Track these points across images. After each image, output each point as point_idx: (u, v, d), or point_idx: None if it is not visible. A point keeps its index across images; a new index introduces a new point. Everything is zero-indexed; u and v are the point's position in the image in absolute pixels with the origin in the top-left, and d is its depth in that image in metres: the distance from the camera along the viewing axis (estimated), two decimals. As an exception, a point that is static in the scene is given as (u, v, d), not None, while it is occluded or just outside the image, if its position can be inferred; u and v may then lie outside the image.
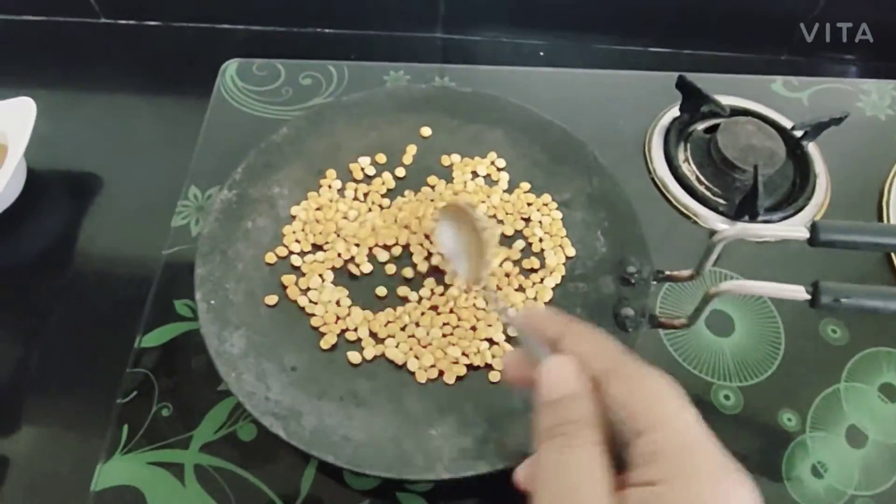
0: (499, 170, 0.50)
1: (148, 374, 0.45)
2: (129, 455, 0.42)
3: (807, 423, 0.45)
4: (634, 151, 0.57)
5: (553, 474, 0.24)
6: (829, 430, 0.45)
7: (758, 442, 0.44)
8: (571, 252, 0.45)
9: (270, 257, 0.44)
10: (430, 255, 0.45)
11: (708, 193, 0.54)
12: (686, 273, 0.42)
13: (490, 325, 0.42)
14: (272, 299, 0.42)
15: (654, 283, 0.43)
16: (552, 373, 0.27)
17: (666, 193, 0.55)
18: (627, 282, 0.43)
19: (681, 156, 0.57)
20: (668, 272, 0.43)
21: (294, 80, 0.60)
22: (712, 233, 0.52)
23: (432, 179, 0.49)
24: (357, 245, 0.45)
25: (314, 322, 0.42)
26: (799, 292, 0.33)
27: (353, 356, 0.40)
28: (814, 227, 0.34)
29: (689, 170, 0.56)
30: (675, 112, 0.59)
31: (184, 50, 0.69)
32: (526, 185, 0.48)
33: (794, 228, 0.35)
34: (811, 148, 0.57)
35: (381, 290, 0.43)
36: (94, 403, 0.45)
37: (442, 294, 0.43)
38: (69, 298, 0.51)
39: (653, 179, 0.56)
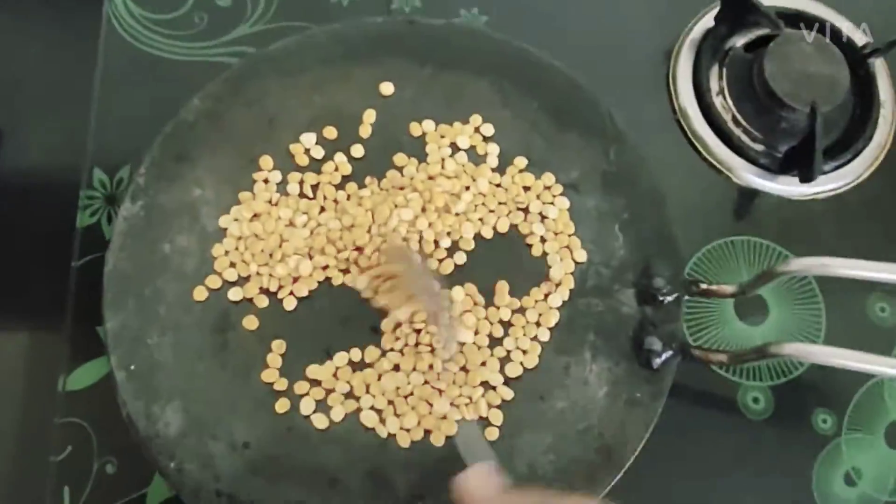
0: (486, 139, 0.38)
1: (82, 424, 0.38)
2: (75, 522, 0.36)
3: (843, 423, 0.40)
4: (653, 80, 0.45)
5: None
6: (866, 431, 0.40)
7: (787, 450, 0.39)
8: (583, 257, 0.36)
9: (200, 292, 0.34)
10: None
11: (745, 139, 0.43)
12: (729, 289, 0.33)
13: (484, 364, 0.34)
14: (209, 349, 0.34)
15: (686, 298, 0.34)
16: None
17: (692, 138, 0.44)
18: (653, 299, 0.34)
19: (714, 85, 0.45)
20: (704, 286, 0.34)
21: (208, 3, 0.45)
22: (747, 191, 0.42)
23: (400, 159, 0.38)
24: (311, 263, 0.35)
25: (266, 376, 0.33)
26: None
27: (319, 420, 0.33)
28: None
29: (724, 106, 0.44)
30: (708, 22, 0.45)
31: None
32: (521, 162, 0.38)
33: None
34: (878, 66, 0.45)
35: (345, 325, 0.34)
36: (23, 461, 0.39)
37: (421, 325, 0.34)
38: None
39: (677, 120, 0.44)
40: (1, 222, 0.44)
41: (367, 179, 0.37)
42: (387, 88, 0.39)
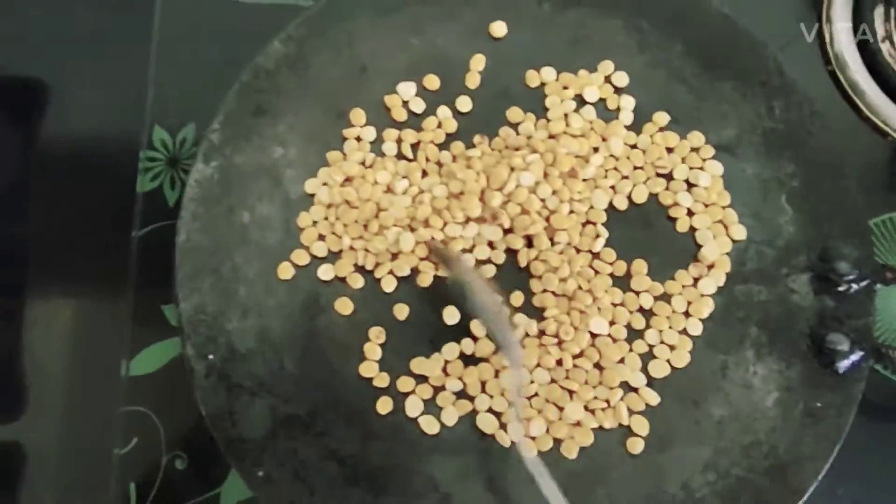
0: (618, 91, 0.32)
1: (147, 413, 0.34)
2: (143, 522, 0.32)
3: None
4: (800, 20, 0.38)
5: None
6: None
7: None
8: (741, 234, 0.29)
9: (285, 270, 0.29)
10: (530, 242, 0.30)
11: (920, 93, 0.36)
12: (936, 276, 0.27)
13: (622, 361, 0.28)
14: (297, 337, 0.29)
15: (879, 287, 0.28)
16: None
17: (850, 92, 0.37)
18: (836, 287, 0.28)
19: (880, 28, 0.37)
20: (902, 270, 0.28)
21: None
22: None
23: (514, 114, 0.32)
24: (413, 236, 0.29)
25: (364, 370, 0.28)
26: None
27: (428, 423, 0.28)
28: None
29: (892, 54, 0.37)
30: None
31: None
32: (663, 118, 0.31)
33: None
34: None
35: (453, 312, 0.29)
36: (84, 450, 0.35)
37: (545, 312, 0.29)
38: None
39: (830, 71, 0.37)
40: (48, 189, 0.39)
41: (477, 138, 0.31)
42: (498, 28, 0.32)
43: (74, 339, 0.36)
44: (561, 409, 0.28)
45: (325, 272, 0.30)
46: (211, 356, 0.28)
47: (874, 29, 0.37)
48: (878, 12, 0.38)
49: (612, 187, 0.31)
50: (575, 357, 0.28)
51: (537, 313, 0.29)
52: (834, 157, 0.29)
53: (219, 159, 0.30)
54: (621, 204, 0.30)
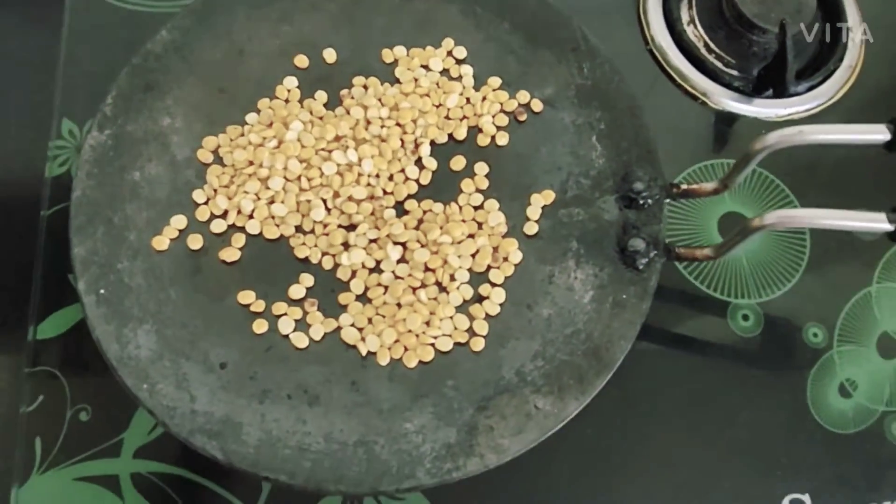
0: (459, 62, 0.38)
1: (54, 372, 0.36)
2: (48, 473, 0.35)
3: (834, 336, 0.39)
4: (624, 14, 0.45)
5: None
6: (858, 343, 0.39)
7: (780, 364, 0.39)
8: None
9: (178, 220, 0.33)
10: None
11: (719, 64, 0.44)
12: (710, 186, 0.33)
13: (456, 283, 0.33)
14: (182, 273, 0.32)
15: (668, 201, 0.34)
16: None
17: (666, 67, 0.44)
18: (635, 203, 0.34)
19: (685, 16, 0.45)
20: (685, 186, 0.34)
21: (174, -45, 0.45)
22: (724, 116, 0.43)
23: (372, 82, 0.37)
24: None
25: (242, 298, 0.32)
26: (877, 222, 0.24)
27: (299, 338, 0.32)
28: (897, 128, 0.25)
29: (696, 34, 0.44)
30: (675, -45, 0.46)
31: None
32: (496, 81, 0.37)
33: (869, 129, 0.26)
34: (844, -10, 0.46)
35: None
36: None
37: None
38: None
39: (650, 50, 0.44)
40: None
41: (343, 92, 0.36)
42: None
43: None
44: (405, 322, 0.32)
45: (218, 226, 0.34)
46: (102, 291, 0.31)
47: (679, 15, 0.45)
48: (684, 2, 0.46)
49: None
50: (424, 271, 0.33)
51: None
52: (631, 104, 0.36)
53: (112, 128, 0.34)
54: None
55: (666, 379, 0.38)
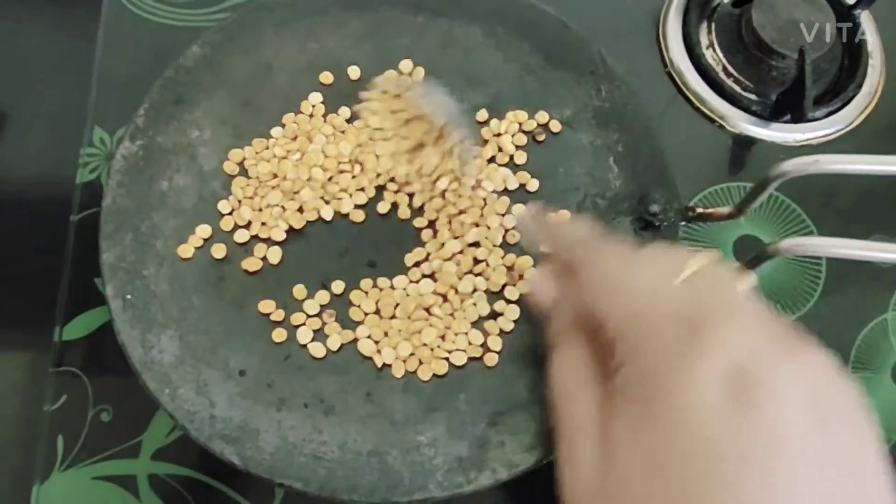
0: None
1: (77, 372, 0.37)
2: (69, 471, 0.36)
3: (849, 362, 0.39)
4: (644, 37, 0.46)
5: (554, 381, 0.26)
6: (873, 370, 0.39)
7: (795, 389, 0.39)
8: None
9: (203, 229, 0.34)
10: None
11: (737, 88, 0.44)
12: (725, 211, 0.33)
13: (474, 302, 0.33)
14: (205, 281, 0.33)
15: (683, 223, 0.34)
16: (534, 287, 0.29)
17: (684, 90, 0.44)
18: (650, 225, 0.34)
19: (704, 40, 0.45)
20: (700, 209, 0.34)
21: (206, -28, 0.46)
22: (741, 139, 0.43)
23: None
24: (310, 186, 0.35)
25: (263, 307, 0.33)
26: (892, 252, 0.24)
27: (316, 348, 0.33)
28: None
29: (714, 58, 0.45)
30: (695, -19, 0.47)
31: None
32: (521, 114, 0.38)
33: (887, 161, 0.26)
34: (864, 17, 0.46)
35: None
36: (16, 413, 0.38)
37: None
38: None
39: (668, 73, 0.45)
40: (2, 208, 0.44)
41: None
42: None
43: (12, 305, 0.40)
44: (421, 335, 0.33)
45: (241, 236, 0.34)
46: (128, 296, 0.32)
47: (699, 39, 0.45)
48: (703, 27, 0.46)
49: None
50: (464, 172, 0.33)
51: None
52: (648, 127, 0.36)
53: (143, 139, 0.35)
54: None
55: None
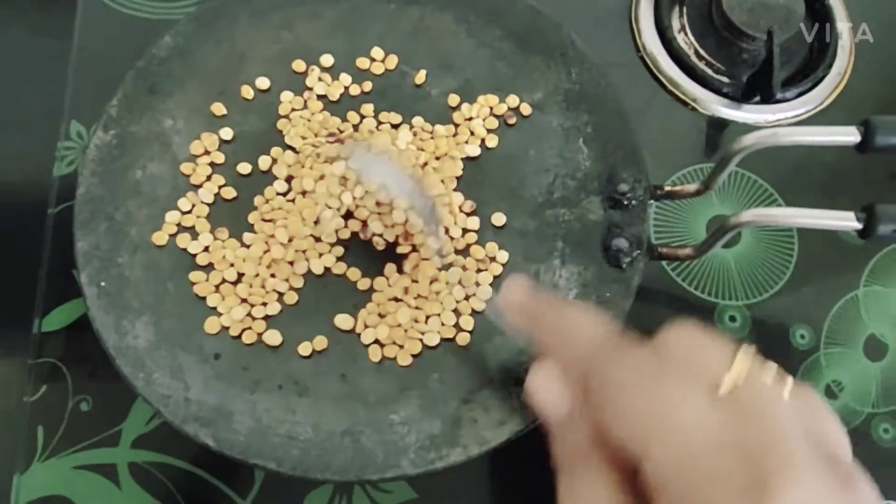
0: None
1: (56, 363, 0.38)
2: (50, 461, 0.36)
3: (821, 338, 0.40)
4: (616, 23, 0.47)
5: None
6: (845, 345, 0.40)
7: (768, 365, 0.39)
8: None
9: (172, 215, 0.35)
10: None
11: (709, 71, 0.44)
12: (692, 188, 0.34)
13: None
14: (179, 268, 0.34)
15: (652, 202, 0.35)
16: (540, 394, 0.23)
17: (657, 74, 0.45)
18: (619, 203, 0.34)
19: (675, 24, 0.46)
20: (668, 187, 0.35)
21: (182, -35, 0.47)
22: (714, 121, 0.43)
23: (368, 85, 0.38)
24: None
25: (241, 291, 0.34)
26: (846, 220, 0.25)
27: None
28: (868, 129, 0.26)
29: (686, 42, 0.45)
30: (666, -35, 0.47)
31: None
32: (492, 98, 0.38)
33: (841, 131, 0.26)
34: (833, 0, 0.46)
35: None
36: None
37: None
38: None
39: (641, 57, 0.45)
40: None
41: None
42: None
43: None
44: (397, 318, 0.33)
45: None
46: (103, 283, 0.32)
47: (670, 23, 0.46)
48: (674, 11, 0.47)
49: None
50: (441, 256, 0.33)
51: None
52: (618, 108, 0.37)
53: (116, 128, 0.36)
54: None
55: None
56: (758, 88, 0.42)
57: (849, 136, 0.26)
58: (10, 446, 0.36)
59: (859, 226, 0.25)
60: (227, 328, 0.32)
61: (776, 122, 0.44)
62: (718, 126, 0.44)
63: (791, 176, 0.42)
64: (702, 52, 0.45)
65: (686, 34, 0.46)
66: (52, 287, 0.39)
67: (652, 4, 0.46)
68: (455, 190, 0.36)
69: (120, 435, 0.36)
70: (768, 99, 0.41)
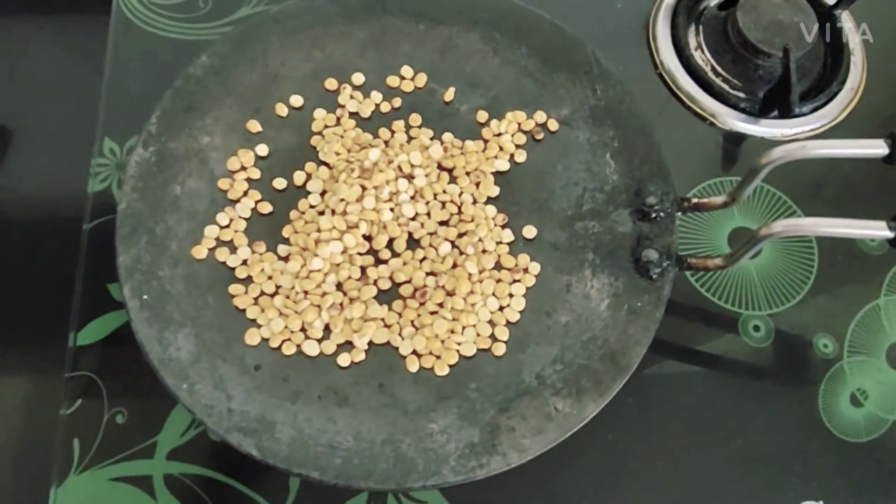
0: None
1: (91, 376, 0.38)
2: (86, 473, 0.36)
3: (844, 347, 0.40)
4: (635, 40, 0.48)
5: None
6: (868, 353, 0.40)
7: (791, 374, 0.40)
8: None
9: (211, 230, 0.35)
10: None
11: (726, 87, 0.46)
12: (719, 200, 0.34)
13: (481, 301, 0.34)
14: (219, 280, 0.34)
15: (680, 214, 0.36)
16: None
17: (675, 90, 0.46)
18: (647, 216, 0.35)
19: (692, 42, 0.47)
20: (695, 199, 0.36)
21: (212, -13, 0.48)
22: (732, 136, 0.44)
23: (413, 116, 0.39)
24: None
25: (278, 303, 0.34)
26: (878, 230, 0.26)
27: (328, 345, 0.33)
28: (894, 142, 0.27)
29: (703, 59, 0.47)
30: (682, -14, 0.48)
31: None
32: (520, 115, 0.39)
33: (869, 144, 0.27)
34: (845, 18, 0.48)
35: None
36: (34, 417, 0.39)
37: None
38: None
39: (659, 74, 0.47)
40: (11, 220, 0.45)
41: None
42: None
43: (27, 313, 0.41)
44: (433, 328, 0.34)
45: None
46: (145, 296, 0.33)
47: (688, 41, 0.47)
48: (691, 30, 0.48)
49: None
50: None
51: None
52: (643, 123, 0.38)
53: (155, 145, 0.37)
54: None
55: (680, 388, 0.39)
56: (775, 104, 0.44)
57: (877, 148, 0.27)
58: (47, 459, 0.37)
59: (891, 235, 0.26)
60: (267, 339, 0.33)
61: (793, 137, 0.45)
62: (736, 140, 0.45)
63: (809, 188, 0.43)
64: (718, 68, 0.46)
65: (703, 51, 0.47)
66: (87, 301, 0.40)
67: (669, 23, 0.48)
68: (486, 203, 0.36)
69: (155, 447, 0.37)
70: (787, 114, 0.43)
